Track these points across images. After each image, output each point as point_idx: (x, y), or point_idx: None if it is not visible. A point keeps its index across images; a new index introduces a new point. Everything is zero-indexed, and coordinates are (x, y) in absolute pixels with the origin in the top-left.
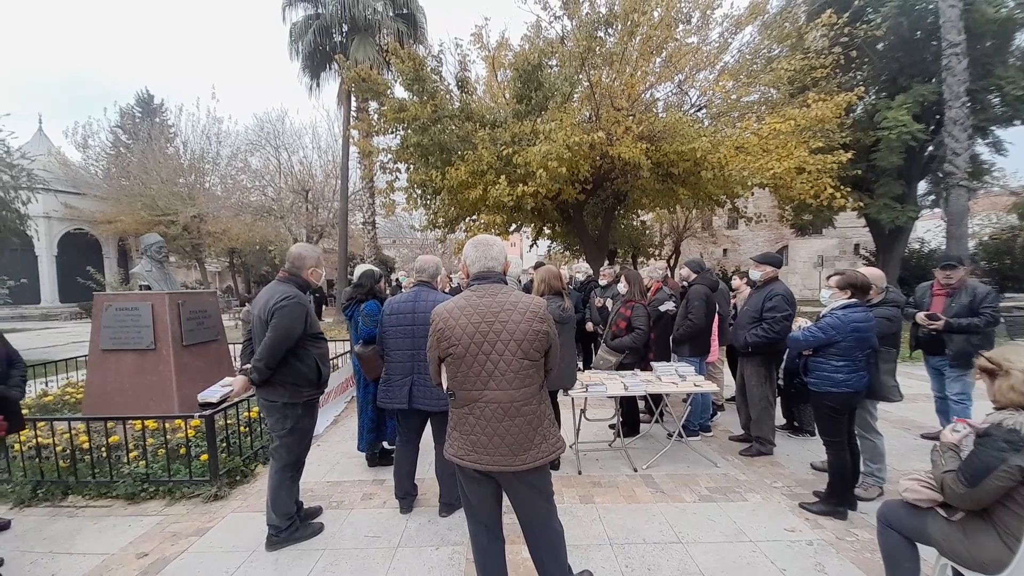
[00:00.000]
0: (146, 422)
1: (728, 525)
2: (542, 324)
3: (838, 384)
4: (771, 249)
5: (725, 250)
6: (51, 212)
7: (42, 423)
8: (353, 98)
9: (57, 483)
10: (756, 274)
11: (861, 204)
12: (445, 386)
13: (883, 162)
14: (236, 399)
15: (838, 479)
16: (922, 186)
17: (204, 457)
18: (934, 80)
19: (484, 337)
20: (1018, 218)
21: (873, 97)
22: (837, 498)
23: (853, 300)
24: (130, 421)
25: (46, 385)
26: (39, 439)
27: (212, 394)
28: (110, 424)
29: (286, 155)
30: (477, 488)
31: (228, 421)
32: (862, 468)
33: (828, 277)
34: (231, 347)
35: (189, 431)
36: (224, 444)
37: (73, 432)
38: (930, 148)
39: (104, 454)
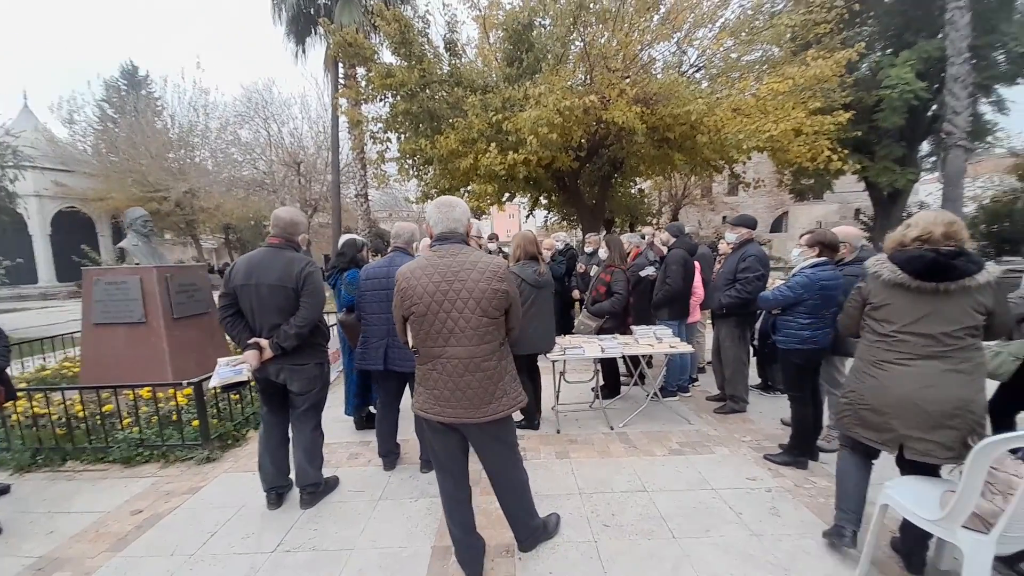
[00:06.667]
0: (139, 391)
1: (693, 475)
2: (501, 283)
3: (804, 341)
4: (771, 216)
5: (724, 217)
6: (42, 190)
7: (38, 394)
8: (340, 64)
9: (55, 450)
10: (732, 236)
11: (859, 167)
12: (411, 344)
13: (885, 122)
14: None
15: (800, 431)
16: (924, 147)
17: (196, 423)
18: (940, 36)
19: (444, 296)
20: (1018, 179)
21: (878, 54)
22: (799, 449)
23: (823, 259)
24: (123, 391)
25: (44, 360)
26: (35, 409)
27: (233, 374)
28: (104, 394)
29: (276, 127)
30: (442, 439)
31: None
32: (826, 421)
33: (800, 236)
34: None
35: (181, 399)
36: (215, 410)
37: (68, 402)
38: (933, 108)
39: (99, 422)
